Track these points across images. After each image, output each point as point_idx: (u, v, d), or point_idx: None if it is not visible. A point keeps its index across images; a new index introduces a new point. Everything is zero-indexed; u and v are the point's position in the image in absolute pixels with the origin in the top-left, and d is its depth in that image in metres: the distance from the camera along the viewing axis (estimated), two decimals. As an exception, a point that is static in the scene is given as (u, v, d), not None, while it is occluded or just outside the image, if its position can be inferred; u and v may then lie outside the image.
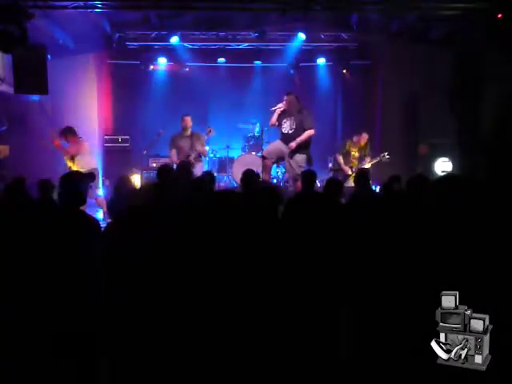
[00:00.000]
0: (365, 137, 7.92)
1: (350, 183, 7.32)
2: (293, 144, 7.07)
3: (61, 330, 2.75)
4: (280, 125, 7.32)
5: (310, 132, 7.12)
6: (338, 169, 8.08)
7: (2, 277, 2.90)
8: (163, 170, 5.23)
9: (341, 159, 7.90)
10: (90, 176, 4.38)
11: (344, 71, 10.32)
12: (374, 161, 7.82)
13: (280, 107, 7.26)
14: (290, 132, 7.18)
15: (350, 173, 7.70)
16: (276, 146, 7.41)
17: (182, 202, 3.80)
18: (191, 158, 7.40)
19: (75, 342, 2.75)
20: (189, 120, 7.72)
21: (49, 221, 3.09)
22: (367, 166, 7.71)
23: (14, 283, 2.86)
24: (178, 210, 3.45)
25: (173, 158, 7.68)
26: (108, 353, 2.76)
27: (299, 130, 7.13)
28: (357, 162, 7.83)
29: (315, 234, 3.30)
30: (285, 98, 7.29)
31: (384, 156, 7.71)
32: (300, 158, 7.13)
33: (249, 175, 5.14)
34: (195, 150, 7.56)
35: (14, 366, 2.70)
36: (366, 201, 4.23)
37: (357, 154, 7.87)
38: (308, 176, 5.18)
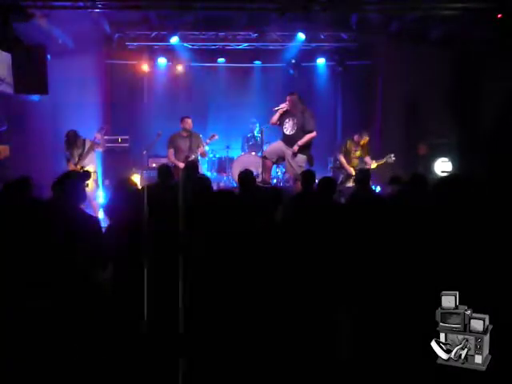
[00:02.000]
0: (365, 138, 7.89)
1: (351, 183, 7.29)
2: (295, 147, 7.08)
3: (61, 328, 2.75)
4: (281, 125, 7.30)
5: (311, 135, 7.13)
6: (339, 167, 8.04)
7: (2, 275, 2.90)
8: (162, 170, 5.24)
9: (342, 158, 7.86)
10: (86, 174, 4.38)
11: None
12: (380, 162, 7.75)
13: (283, 107, 7.24)
14: (292, 133, 7.18)
15: (353, 172, 7.63)
16: (277, 146, 7.41)
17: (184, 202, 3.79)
18: (189, 160, 7.41)
19: (74, 340, 2.76)
20: (189, 122, 7.71)
21: (50, 219, 3.09)
22: (373, 166, 7.66)
23: (15, 282, 2.86)
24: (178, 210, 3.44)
25: (170, 158, 7.67)
26: (107, 351, 2.76)
27: (300, 131, 7.13)
28: (357, 161, 7.79)
29: (315, 234, 3.30)
30: (287, 97, 7.27)
31: (390, 157, 7.68)
32: (300, 158, 7.13)
33: (246, 175, 5.10)
34: (195, 152, 7.56)
35: (13, 365, 2.70)
36: (366, 201, 4.22)
37: (358, 153, 7.84)
38: (307, 176, 5.18)
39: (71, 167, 7.26)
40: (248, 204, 3.78)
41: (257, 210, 3.54)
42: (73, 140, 7.29)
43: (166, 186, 4.96)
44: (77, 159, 7.30)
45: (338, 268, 3.06)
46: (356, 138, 7.87)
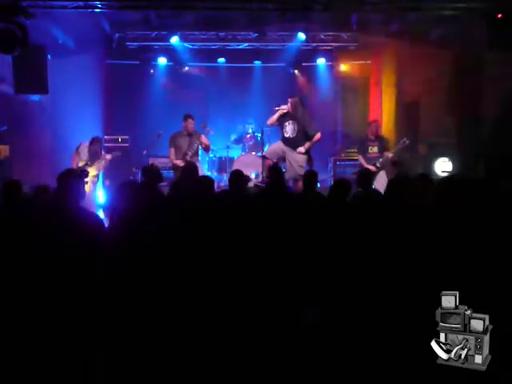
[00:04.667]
0: (374, 126, 7.75)
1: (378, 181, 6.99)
2: (301, 149, 7.09)
3: (62, 328, 2.75)
4: (281, 126, 7.30)
5: (317, 136, 7.14)
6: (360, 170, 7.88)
7: (5, 276, 2.91)
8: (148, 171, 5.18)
9: (361, 159, 7.67)
10: (83, 172, 4.39)
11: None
12: (396, 149, 7.50)
13: (283, 109, 7.22)
14: (292, 136, 7.19)
15: (374, 170, 7.27)
16: (277, 146, 7.42)
17: (184, 202, 3.80)
18: (188, 157, 7.41)
19: (74, 340, 2.76)
20: (192, 123, 7.68)
21: (52, 219, 3.10)
22: (391, 155, 7.40)
23: (16, 282, 2.86)
24: (179, 211, 3.45)
25: (171, 157, 7.67)
26: (106, 351, 2.76)
27: (301, 134, 7.15)
28: (378, 156, 7.52)
29: (316, 234, 3.30)
30: (289, 100, 7.25)
31: (404, 142, 7.42)
32: (301, 157, 7.14)
33: (237, 175, 5.01)
34: (192, 149, 7.55)
35: (13, 365, 2.70)
36: (368, 201, 4.23)
37: (375, 149, 7.63)
38: (309, 176, 5.18)
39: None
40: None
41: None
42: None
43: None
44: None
45: (338, 268, 3.06)
46: (369, 132, 7.73)
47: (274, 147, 7.46)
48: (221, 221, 3.29)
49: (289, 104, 7.21)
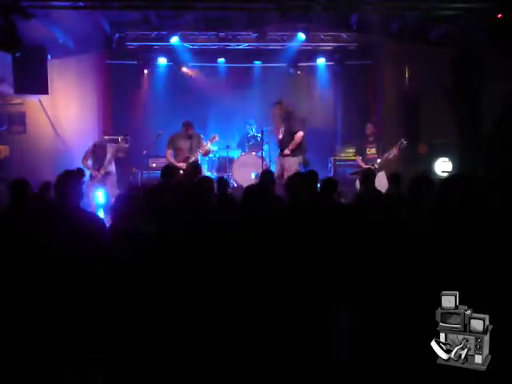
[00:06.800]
0: (369, 127, 7.77)
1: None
2: (286, 151, 7.25)
3: (62, 328, 2.75)
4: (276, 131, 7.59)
5: (298, 135, 7.24)
6: (359, 171, 7.86)
7: (5, 277, 2.91)
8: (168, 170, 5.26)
9: (360, 160, 7.66)
10: (80, 173, 4.39)
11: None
12: (395, 151, 7.37)
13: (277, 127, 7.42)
14: (281, 138, 7.40)
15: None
16: (276, 165, 7.56)
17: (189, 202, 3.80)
18: (190, 161, 7.40)
19: (74, 340, 2.76)
20: (191, 129, 7.67)
21: (52, 219, 3.10)
22: (391, 157, 7.35)
23: (17, 283, 2.86)
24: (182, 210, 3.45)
25: (169, 159, 7.65)
26: (106, 351, 2.76)
27: (287, 135, 7.31)
28: (376, 157, 7.48)
29: (316, 234, 3.30)
30: (276, 109, 7.42)
31: (402, 142, 7.35)
32: (293, 161, 7.18)
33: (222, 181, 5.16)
34: (195, 153, 7.54)
35: (13, 367, 2.70)
36: (370, 201, 4.23)
37: (374, 150, 7.60)
38: (309, 177, 5.18)
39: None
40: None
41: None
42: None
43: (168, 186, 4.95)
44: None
45: (338, 268, 3.06)
46: (367, 134, 7.72)
47: (276, 169, 7.49)
48: (219, 220, 3.29)
49: (275, 114, 7.39)
